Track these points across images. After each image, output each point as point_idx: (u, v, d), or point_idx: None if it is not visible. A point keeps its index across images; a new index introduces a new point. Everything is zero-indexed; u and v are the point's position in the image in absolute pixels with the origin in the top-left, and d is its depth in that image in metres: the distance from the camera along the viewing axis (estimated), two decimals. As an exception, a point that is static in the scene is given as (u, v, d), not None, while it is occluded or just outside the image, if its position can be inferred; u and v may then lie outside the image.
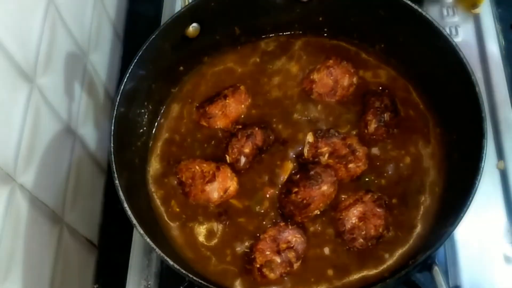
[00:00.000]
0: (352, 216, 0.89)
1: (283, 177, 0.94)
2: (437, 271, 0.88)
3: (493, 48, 1.17)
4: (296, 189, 0.90)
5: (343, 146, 0.93)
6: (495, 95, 1.12)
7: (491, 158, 1.05)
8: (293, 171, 0.95)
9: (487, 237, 1.00)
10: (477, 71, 1.09)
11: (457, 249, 0.99)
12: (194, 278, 0.80)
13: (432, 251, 0.80)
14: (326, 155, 0.93)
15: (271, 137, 0.97)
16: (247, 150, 0.94)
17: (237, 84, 1.03)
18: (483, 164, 0.82)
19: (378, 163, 0.95)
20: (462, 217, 0.80)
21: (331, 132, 0.95)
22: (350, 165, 0.92)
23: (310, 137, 0.96)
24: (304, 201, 0.89)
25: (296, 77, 1.05)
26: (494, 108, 1.11)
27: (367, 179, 0.94)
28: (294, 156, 0.96)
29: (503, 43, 1.19)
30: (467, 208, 0.80)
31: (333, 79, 1.00)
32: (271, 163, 0.96)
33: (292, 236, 0.88)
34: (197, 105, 1.03)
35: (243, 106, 1.01)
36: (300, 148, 0.96)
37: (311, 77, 1.01)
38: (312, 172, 0.90)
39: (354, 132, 0.97)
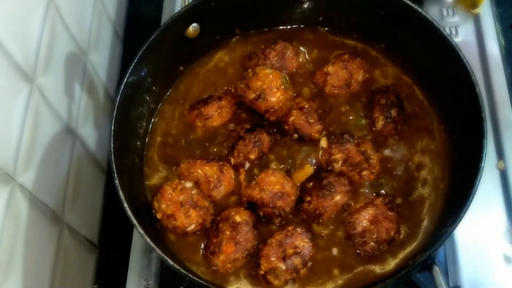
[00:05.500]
0: (363, 219, 0.88)
1: (300, 179, 0.94)
2: (437, 271, 0.88)
3: (493, 48, 1.17)
4: (309, 198, 0.89)
5: (357, 152, 0.92)
6: (495, 95, 1.12)
7: (491, 158, 1.05)
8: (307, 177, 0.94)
9: (487, 237, 1.00)
10: (477, 71, 1.09)
11: (457, 249, 0.99)
12: (194, 278, 0.80)
13: (432, 251, 0.80)
14: (340, 162, 0.93)
15: (278, 139, 0.97)
16: (252, 157, 0.94)
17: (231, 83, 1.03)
18: (483, 164, 0.82)
19: (389, 165, 0.95)
20: (462, 217, 0.80)
21: (345, 137, 0.94)
22: (364, 173, 0.92)
23: (323, 143, 0.95)
24: (317, 211, 0.89)
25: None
26: (494, 108, 1.11)
27: (380, 181, 0.94)
28: (312, 160, 0.95)
29: (503, 43, 1.19)
30: (467, 208, 0.80)
31: (348, 72, 1.00)
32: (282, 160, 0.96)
33: (299, 241, 0.86)
34: (189, 106, 1.03)
35: (236, 107, 1.01)
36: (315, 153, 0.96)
37: (325, 69, 1.01)
38: (325, 182, 0.89)
39: (369, 137, 0.97)
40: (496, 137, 1.09)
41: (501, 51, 1.17)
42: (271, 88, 0.91)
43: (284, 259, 0.85)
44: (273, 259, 0.85)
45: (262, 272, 0.85)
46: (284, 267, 0.85)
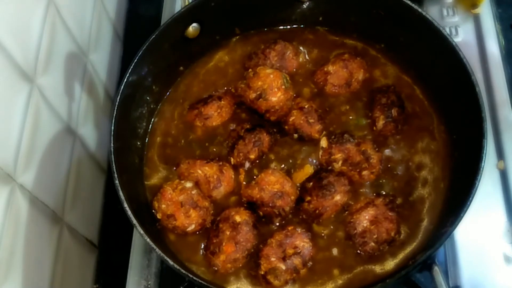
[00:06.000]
0: (364, 220, 0.88)
1: (300, 179, 0.93)
2: (437, 271, 0.88)
3: (493, 48, 1.17)
4: (308, 198, 0.89)
5: (357, 152, 0.92)
6: (495, 95, 1.12)
7: (491, 158, 1.05)
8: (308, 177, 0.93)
9: (487, 237, 1.00)
10: (477, 71, 1.10)
11: (457, 249, 0.99)
12: (194, 278, 0.80)
13: (432, 251, 0.80)
14: (340, 162, 0.92)
15: (278, 139, 0.97)
16: (252, 156, 0.94)
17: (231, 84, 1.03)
18: (483, 164, 0.82)
19: (389, 165, 0.95)
20: (462, 217, 0.80)
21: (345, 137, 0.94)
22: (364, 172, 0.92)
23: (323, 142, 0.95)
24: (317, 211, 0.89)
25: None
26: (494, 108, 1.11)
27: (381, 181, 0.94)
28: (312, 160, 0.95)
29: (503, 43, 1.19)
30: (467, 208, 0.80)
31: (348, 71, 1.00)
32: (284, 160, 0.96)
33: (299, 241, 0.86)
34: (189, 106, 1.03)
35: (235, 107, 1.01)
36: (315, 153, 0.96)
37: (326, 69, 1.01)
38: (325, 181, 0.89)
39: (370, 137, 0.97)
40: (496, 137, 1.09)
41: (501, 51, 1.17)
42: (272, 87, 0.91)
43: (284, 259, 0.85)
44: (273, 259, 0.85)
45: (262, 272, 0.85)
46: (284, 267, 0.85)
